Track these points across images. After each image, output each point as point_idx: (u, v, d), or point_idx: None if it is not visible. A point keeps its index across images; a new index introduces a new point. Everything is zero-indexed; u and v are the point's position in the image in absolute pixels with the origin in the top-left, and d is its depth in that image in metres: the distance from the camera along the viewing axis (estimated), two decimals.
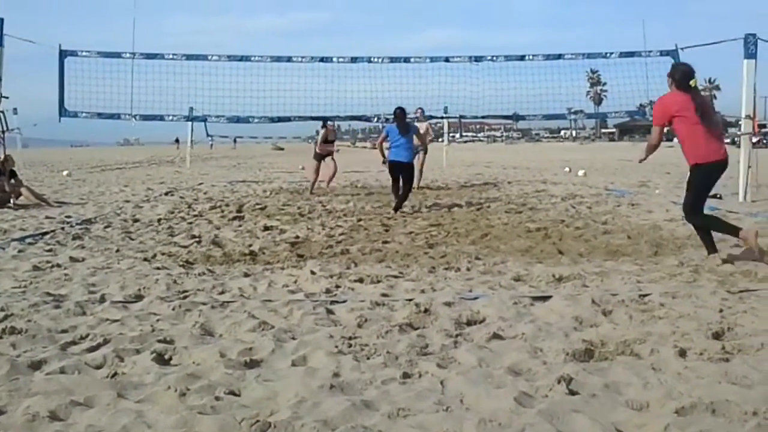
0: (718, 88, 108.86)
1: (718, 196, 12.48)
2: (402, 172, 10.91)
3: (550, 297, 4.96)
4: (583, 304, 4.69)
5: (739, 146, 12.61)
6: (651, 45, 14.59)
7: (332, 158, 14.68)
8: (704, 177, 6.21)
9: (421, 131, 14.00)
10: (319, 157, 14.66)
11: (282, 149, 65.33)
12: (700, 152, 6.12)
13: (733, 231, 6.18)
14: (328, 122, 14.82)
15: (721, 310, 4.48)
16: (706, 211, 6.51)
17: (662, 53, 13.97)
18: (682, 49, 13.77)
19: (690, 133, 6.13)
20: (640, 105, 19.53)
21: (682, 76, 6.14)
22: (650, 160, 7.07)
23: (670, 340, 3.87)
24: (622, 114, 17.72)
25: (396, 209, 10.57)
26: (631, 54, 14.24)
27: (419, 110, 15.10)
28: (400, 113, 11.04)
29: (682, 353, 3.66)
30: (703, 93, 6.07)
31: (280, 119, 15.10)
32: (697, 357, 3.62)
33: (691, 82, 6.11)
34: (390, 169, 11.10)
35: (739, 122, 12.39)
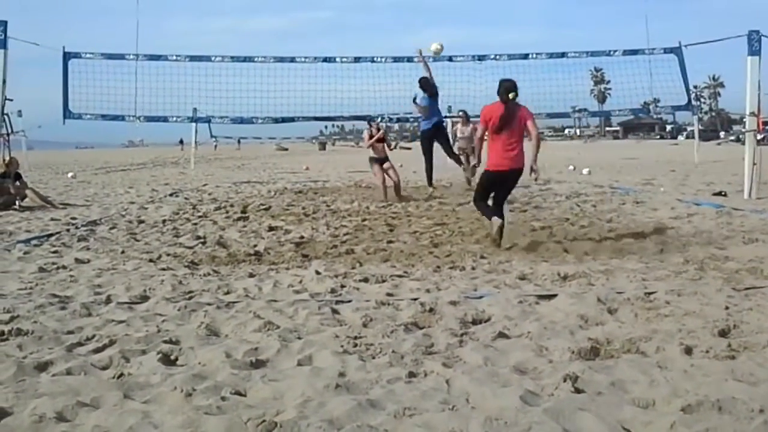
0: (722, 85, 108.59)
1: (723, 193, 12.46)
2: (438, 134, 12.32)
3: (555, 295, 4.96)
4: (588, 303, 4.69)
5: (744, 143, 12.57)
6: (654, 43, 14.51)
7: (391, 166, 12.74)
8: (488, 179, 7.30)
9: (466, 134, 14.65)
10: (376, 161, 12.77)
11: (286, 150, 65.35)
12: (491, 160, 7.16)
13: (488, 217, 7.15)
14: (372, 121, 13.20)
15: (726, 308, 4.48)
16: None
17: (666, 51, 13.93)
18: (685, 46, 13.75)
19: (491, 141, 7.13)
20: (644, 103, 19.48)
21: (503, 90, 7.04)
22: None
23: (676, 338, 3.86)
24: (626, 112, 17.69)
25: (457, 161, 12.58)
26: (634, 52, 14.19)
27: (462, 113, 15.70)
28: (424, 81, 12.26)
29: (688, 351, 3.66)
30: (517, 105, 7.11)
31: (284, 120, 15.08)
32: (703, 355, 3.61)
33: (510, 95, 7.00)
34: (428, 137, 12.23)
35: (744, 119, 12.36)
